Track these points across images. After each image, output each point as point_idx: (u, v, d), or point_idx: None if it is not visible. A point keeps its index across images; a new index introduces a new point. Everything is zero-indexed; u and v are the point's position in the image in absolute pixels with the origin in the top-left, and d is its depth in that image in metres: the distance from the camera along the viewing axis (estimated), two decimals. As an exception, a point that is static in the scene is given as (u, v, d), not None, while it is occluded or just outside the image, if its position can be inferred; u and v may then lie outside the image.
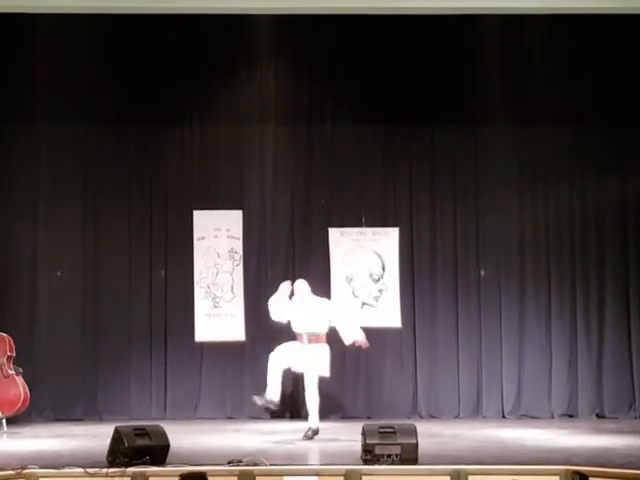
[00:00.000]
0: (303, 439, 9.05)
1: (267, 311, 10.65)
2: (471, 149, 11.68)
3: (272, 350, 10.43)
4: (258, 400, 9.30)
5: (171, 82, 11.33)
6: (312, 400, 9.17)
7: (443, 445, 8.55)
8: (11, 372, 10.15)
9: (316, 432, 9.11)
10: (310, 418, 9.18)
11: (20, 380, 10.19)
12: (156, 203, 11.60)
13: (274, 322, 10.06)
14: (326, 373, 9.27)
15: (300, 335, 9.23)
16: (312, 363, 9.15)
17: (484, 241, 11.64)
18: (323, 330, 9.25)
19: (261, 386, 10.34)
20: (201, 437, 9.36)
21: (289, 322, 9.40)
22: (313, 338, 9.17)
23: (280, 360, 9.19)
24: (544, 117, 11.41)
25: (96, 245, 11.49)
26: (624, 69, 11.36)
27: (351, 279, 11.48)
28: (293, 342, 9.33)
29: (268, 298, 11.16)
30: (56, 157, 11.46)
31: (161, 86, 11.32)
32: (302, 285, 9.45)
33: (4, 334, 10.21)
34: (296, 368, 9.31)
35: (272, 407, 9.37)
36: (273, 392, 9.14)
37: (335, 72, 11.46)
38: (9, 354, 10.18)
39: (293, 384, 11.13)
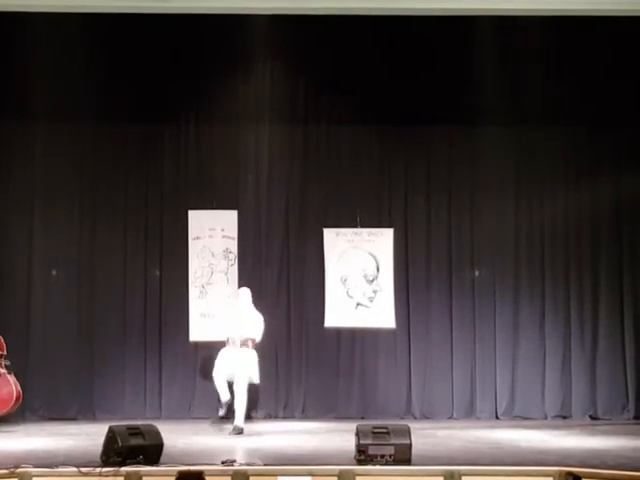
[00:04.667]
0: (230, 434, 9.43)
1: (260, 311, 10.71)
2: (467, 150, 11.69)
3: (264, 348, 10.52)
4: (220, 411, 10.03)
5: (167, 82, 11.32)
6: (241, 404, 9.60)
7: (437, 446, 8.57)
8: (3, 371, 10.13)
9: (241, 431, 9.47)
10: (237, 418, 9.55)
11: (12, 378, 10.17)
12: (151, 203, 11.59)
13: (267, 320, 10.19)
14: (256, 380, 9.89)
15: (233, 339, 9.78)
16: (243, 368, 9.64)
17: (479, 242, 11.65)
18: (254, 336, 9.83)
19: (255, 386, 10.36)
20: (195, 437, 9.36)
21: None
22: (243, 342, 9.76)
23: (222, 376, 9.78)
24: (540, 118, 11.42)
25: (91, 244, 11.47)
26: (622, 71, 11.36)
27: (345, 279, 11.48)
28: (223, 351, 9.87)
29: (262, 298, 11.20)
30: (52, 156, 11.44)
31: (157, 86, 11.31)
32: (246, 294, 10.07)
33: None
34: (231, 376, 9.76)
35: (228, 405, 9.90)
36: (224, 395, 9.78)
37: (331, 73, 11.44)
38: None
39: (287, 382, 11.20)
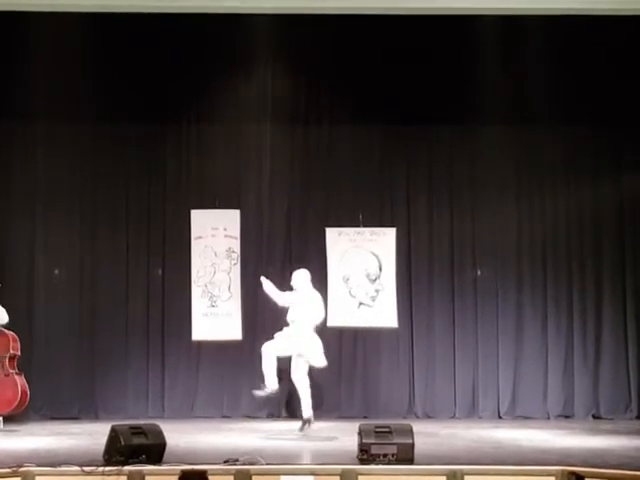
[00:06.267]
0: (300, 430, 9.21)
1: (264, 310, 10.77)
2: (468, 150, 11.71)
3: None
4: (259, 392, 9.48)
5: (169, 82, 11.34)
6: (305, 393, 9.31)
7: (439, 445, 8.55)
8: (12, 371, 10.13)
9: (309, 421, 9.24)
10: (303, 407, 9.31)
11: (21, 380, 10.17)
12: (153, 202, 11.61)
13: (271, 320, 10.21)
14: (322, 362, 9.44)
15: (293, 322, 9.47)
16: (304, 349, 9.37)
17: (481, 241, 11.66)
18: (317, 321, 9.50)
19: (257, 386, 10.40)
20: (198, 436, 9.36)
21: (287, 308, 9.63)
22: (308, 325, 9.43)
23: (272, 350, 9.39)
24: (541, 118, 11.43)
25: (94, 244, 11.50)
26: (622, 71, 11.35)
27: (348, 279, 11.49)
28: (283, 332, 9.52)
29: (265, 297, 11.24)
30: (53, 157, 11.46)
31: (159, 86, 11.32)
32: (304, 274, 9.66)
33: (9, 332, 10.19)
34: (286, 353, 9.46)
35: (273, 396, 9.44)
36: (271, 381, 9.33)
37: (332, 72, 11.46)
38: (12, 352, 10.16)
39: (289, 382, 11.18)
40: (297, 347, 9.36)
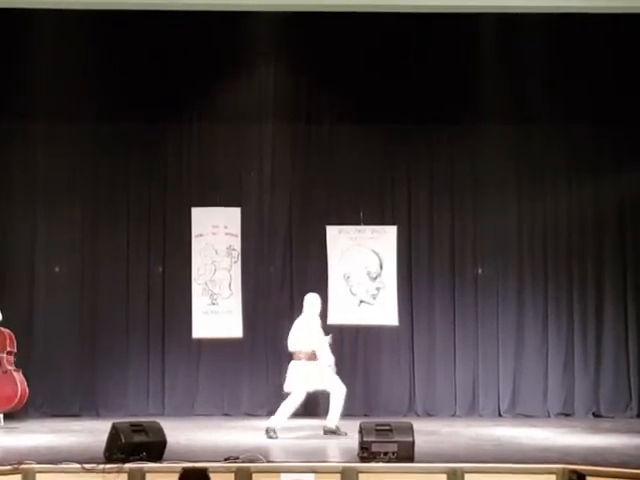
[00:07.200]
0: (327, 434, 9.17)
1: (264, 308, 10.75)
2: (469, 148, 11.70)
3: (269, 347, 10.55)
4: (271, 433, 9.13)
5: (170, 80, 11.33)
6: (339, 406, 9.15)
7: (440, 443, 8.56)
8: (10, 368, 10.15)
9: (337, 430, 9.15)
10: (334, 418, 9.18)
11: (19, 376, 10.20)
12: (154, 200, 11.61)
13: (272, 317, 10.18)
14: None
15: (312, 353, 9.20)
16: (332, 376, 9.20)
17: (482, 240, 11.66)
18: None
19: (258, 384, 10.40)
20: (198, 434, 9.37)
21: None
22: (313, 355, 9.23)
23: (302, 394, 9.19)
24: (542, 117, 11.43)
25: (94, 241, 11.50)
26: (622, 69, 11.35)
27: (349, 277, 11.49)
28: (298, 365, 9.22)
29: (265, 295, 11.23)
30: (54, 155, 11.45)
31: (160, 84, 11.32)
32: (316, 300, 9.42)
33: (5, 329, 10.20)
34: (322, 387, 9.26)
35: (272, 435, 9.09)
36: (281, 420, 9.17)
37: (334, 71, 11.45)
38: (9, 349, 10.19)
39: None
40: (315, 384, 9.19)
